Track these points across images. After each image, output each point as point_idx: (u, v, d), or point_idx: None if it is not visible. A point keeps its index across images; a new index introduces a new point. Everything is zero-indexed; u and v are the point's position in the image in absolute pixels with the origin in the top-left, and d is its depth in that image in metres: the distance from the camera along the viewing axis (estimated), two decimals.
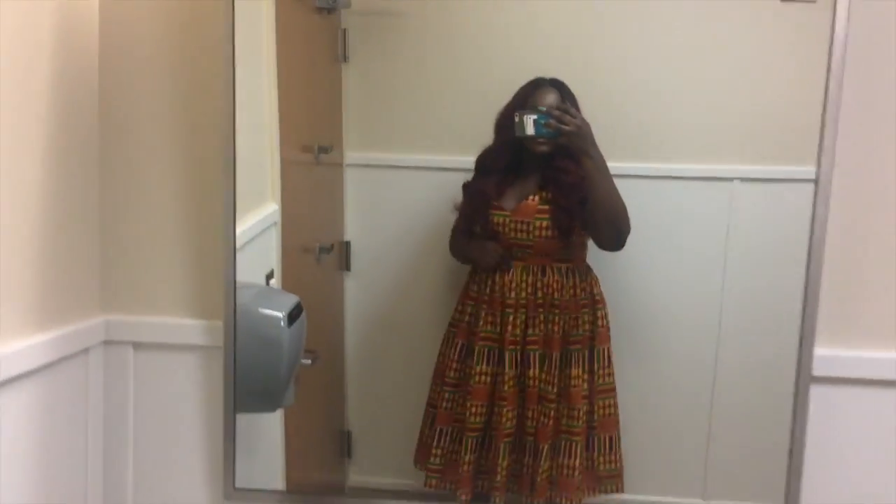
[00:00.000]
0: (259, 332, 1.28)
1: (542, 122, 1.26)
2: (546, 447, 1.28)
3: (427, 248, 1.38)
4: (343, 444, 1.45)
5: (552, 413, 1.29)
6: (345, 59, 1.37)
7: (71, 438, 1.29)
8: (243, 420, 1.33)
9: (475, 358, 1.31)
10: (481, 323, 1.30)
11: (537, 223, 1.29)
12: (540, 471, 1.28)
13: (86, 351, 1.31)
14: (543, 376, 1.29)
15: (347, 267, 1.42)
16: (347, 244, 1.41)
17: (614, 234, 1.28)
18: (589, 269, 1.31)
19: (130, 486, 1.37)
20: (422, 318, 1.42)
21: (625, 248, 1.29)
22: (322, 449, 1.49)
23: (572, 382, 1.30)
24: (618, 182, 1.28)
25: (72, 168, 1.27)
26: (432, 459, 1.34)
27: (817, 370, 1.22)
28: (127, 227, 1.33)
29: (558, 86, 1.28)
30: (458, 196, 1.35)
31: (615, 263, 1.33)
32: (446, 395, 1.33)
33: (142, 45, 1.29)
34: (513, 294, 1.29)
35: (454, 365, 1.33)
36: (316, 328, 1.40)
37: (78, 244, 1.29)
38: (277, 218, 1.37)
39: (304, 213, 1.44)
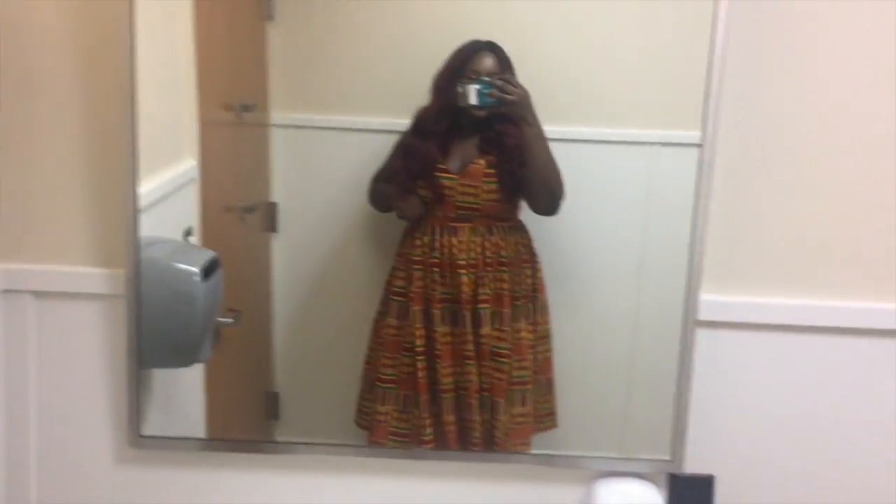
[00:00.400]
0: (173, 286, 1.24)
1: (486, 91, 1.26)
2: (502, 401, 1.30)
3: (357, 211, 1.34)
4: (270, 406, 1.40)
5: (505, 368, 1.30)
6: (270, 17, 1.31)
7: None
8: (161, 374, 1.30)
9: (437, 321, 1.29)
10: (438, 286, 1.29)
11: (485, 186, 1.28)
12: (499, 424, 1.30)
13: None
14: (496, 333, 1.29)
15: (274, 228, 1.36)
16: (274, 205, 1.35)
17: (549, 199, 1.28)
18: (524, 225, 1.31)
19: (33, 436, 1.33)
20: (351, 280, 1.38)
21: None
22: (248, 409, 1.44)
23: (521, 336, 1.31)
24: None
25: None
26: (424, 431, 1.32)
27: (703, 315, 1.24)
28: (27, 177, 1.27)
29: (495, 50, 1.26)
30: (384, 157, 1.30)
31: (543, 220, 1.32)
32: (419, 364, 1.31)
33: None
34: (463, 255, 1.28)
35: (419, 332, 1.31)
36: (239, 288, 1.36)
37: None
38: (195, 174, 1.32)
39: (226, 171, 1.39)
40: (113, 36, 1.20)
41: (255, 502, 1.35)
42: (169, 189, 1.29)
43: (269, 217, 1.36)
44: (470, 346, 1.30)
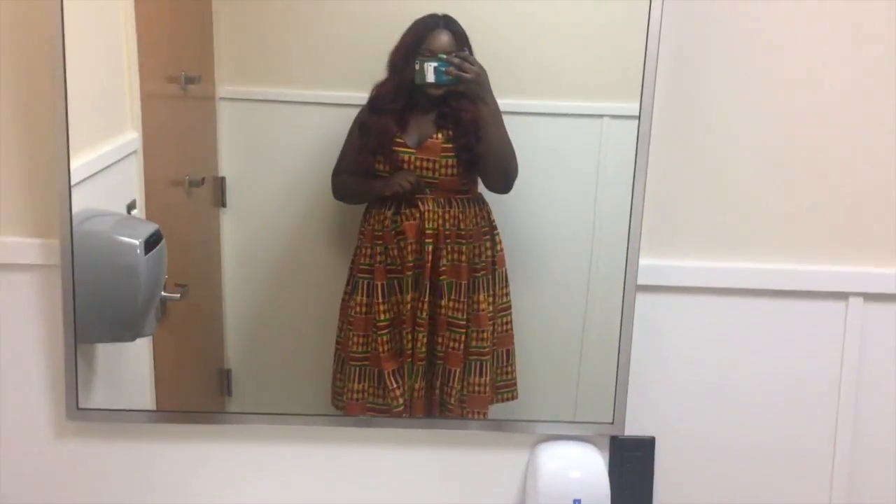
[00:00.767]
0: (114, 259, 1.20)
1: (443, 69, 1.23)
2: (457, 371, 1.29)
3: (308, 186, 1.30)
4: (222, 382, 1.36)
5: (462, 338, 1.29)
6: None
7: None
8: (106, 348, 1.27)
9: (405, 287, 1.28)
10: (402, 256, 1.27)
11: (443, 161, 1.26)
12: (453, 392, 1.29)
13: None
14: (452, 304, 1.28)
15: (223, 203, 1.32)
16: (222, 179, 1.31)
17: (503, 178, 1.27)
18: (483, 198, 1.29)
19: None
20: (303, 255, 1.34)
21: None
22: (200, 385, 1.40)
23: (480, 307, 1.29)
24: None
25: None
26: (397, 403, 1.30)
27: (642, 280, 1.25)
28: None
29: (451, 25, 1.24)
30: (342, 132, 1.27)
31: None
32: (384, 339, 1.29)
33: None
34: (429, 224, 1.27)
35: (382, 307, 1.28)
36: (187, 262, 1.33)
37: None
38: (137, 146, 1.27)
39: (170, 144, 1.34)
40: (43, 5, 1.15)
41: (205, 475, 1.32)
42: (109, 161, 1.25)
43: (217, 191, 1.32)
44: (424, 315, 1.28)
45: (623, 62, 1.20)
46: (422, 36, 1.23)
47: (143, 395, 1.32)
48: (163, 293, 1.27)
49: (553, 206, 1.30)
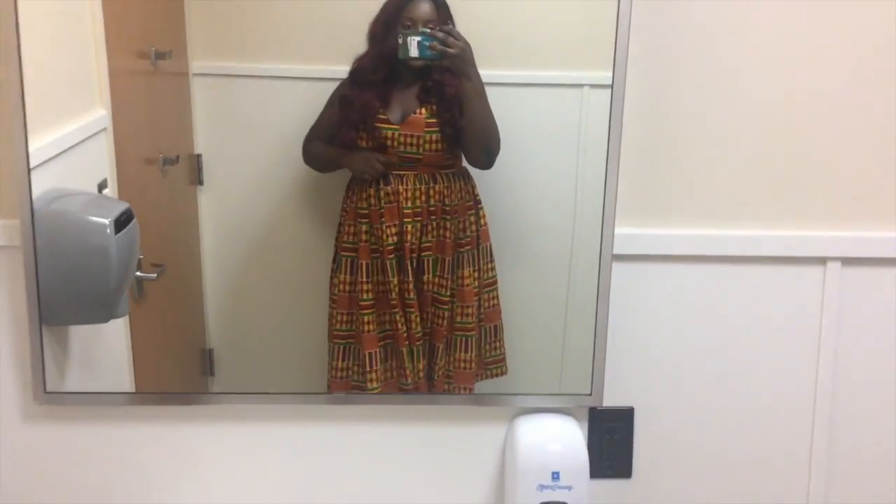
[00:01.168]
0: (84, 239, 1.15)
1: (427, 43, 1.19)
2: (441, 346, 1.27)
3: (288, 162, 1.25)
4: (205, 362, 1.32)
5: (446, 314, 1.26)
6: None
7: None
8: (81, 330, 1.23)
9: (390, 270, 1.24)
10: (385, 236, 1.24)
11: (427, 136, 1.23)
12: (437, 368, 1.27)
13: None
14: (437, 280, 1.25)
15: (199, 181, 1.27)
16: (198, 157, 1.27)
17: (485, 154, 1.24)
18: (468, 172, 1.26)
19: None
20: (284, 232, 1.30)
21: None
22: (181, 366, 1.37)
23: (465, 282, 1.26)
24: None
25: None
26: (371, 385, 1.27)
27: (619, 249, 1.22)
28: None
29: None
30: (321, 106, 1.23)
31: None
32: (366, 318, 1.25)
33: None
34: (409, 203, 1.23)
35: (365, 287, 1.25)
36: (163, 242, 1.29)
37: None
38: (106, 124, 1.23)
39: (142, 122, 1.30)
40: None
41: (188, 456, 1.28)
42: (77, 139, 1.20)
43: (193, 169, 1.27)
44: (412, 294, 1.25)
45: (603, 29, 1.16)
46: (402, 4, 1.19)
47: (121, 377, 1.28)
48: (138, 273, 1.23)
49: (535, 177, 1.27)
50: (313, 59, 1.24)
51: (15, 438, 1.25)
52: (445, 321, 1.27)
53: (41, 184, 1.15)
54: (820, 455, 1.33)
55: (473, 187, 1.26)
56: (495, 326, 1.30)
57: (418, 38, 1.18)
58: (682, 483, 1.33)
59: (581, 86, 1.23)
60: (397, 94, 1.23)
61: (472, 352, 1.28)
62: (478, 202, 1.26)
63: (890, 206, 1.26)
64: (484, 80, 1.20)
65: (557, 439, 1.21)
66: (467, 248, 1.26)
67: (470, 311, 1.27)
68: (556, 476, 1.17)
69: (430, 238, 1.25)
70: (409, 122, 1.22)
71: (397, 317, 1.26)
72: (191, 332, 1.34)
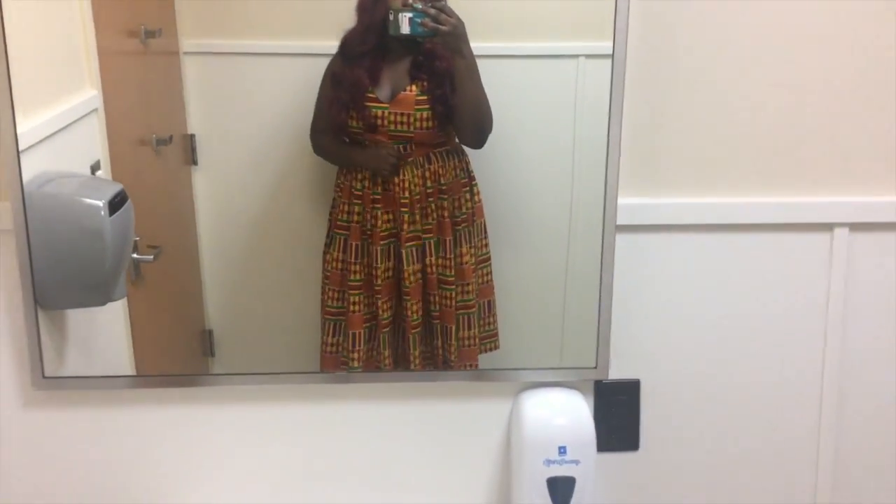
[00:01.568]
0: (79, 222, 1.14)
1: (418, 20, 1.16)
2: (453, 327, 1.26)
3: (283, 140, 1.24)
4: (205, 343, 1.31)
5: (453, 294, 1.25)
6: None
7: None
8: (78, 314, 1.21)
9: (379, 257, 1.23)
10: (378, 222, 1.23)
11: (418, 114, 1.20)
12: (452, 349, 1.26)
13: None
14: (440, 261, 1.24)
15: (194, 161, 1.26)
16: (191, 137, 1.25)
17: (477, 133, 1.22)
18: (461, 148, 1.24)
19: None
20: (280, 211, 1.28)
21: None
22: (181, 347, 1.36)
23: (463, 260, 1.25)
24: None
25: None
26: (353, 365, 1.27)
27: (622, 219, 1.20)
28: None
29: None
30: (314, 83, 1.21)
31: None
32: (353, 299, 1.24)
33: None
34: (406, 193, 1.22)
35: (354, 267, 1.24)
36: (159, 223, 1.28)
37: None
38: (98, 104, 1.21)
39: (133, 102, 1.28)
40: None
41: (190, 438, 1.27)
42: (68, 120, 1.18)
43: (187, 149, 1.26)
44: (410, 282, 1.24)
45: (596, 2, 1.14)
46: None
47: (121, 360, 1.27)
48: (134, 255, 1.22)
49: (530, 150, 1.25)
50: (305, 34, 1.22)
51: (14, 424, 1.24)
52: (453, 301, 1.26)
53: (33, 166, 1.13)
54: (829, 425, 1.32)
55: (467, 163, 1.24)
56: (489, 302, 1.29)
57: (410, 15, 1.15)
58: (690, 454, 1.32)
59: (577, 56, 1.21)
60: (387, 69, 1.21)
61: (474, 328, 1.28)
62: (472, 178, 1.25)
63: None
64: (475, 52, 1.18)
65: (563, 413, 1.20)
66: (463, 225, 1.25)
67: (470, 287, 1.26)
68: (562, 450, 1.16)
69: (429, 221, 1.23)
70: (398, 100, 1.20)
71: (380, 302, 1.25)
72: (190, 314, 1.33)
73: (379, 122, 1.20)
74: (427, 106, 1.20)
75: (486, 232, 1.27)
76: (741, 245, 1.26)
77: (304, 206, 1.28)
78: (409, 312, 1.25)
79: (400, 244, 1.23)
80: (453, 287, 1.26)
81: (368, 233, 1.24)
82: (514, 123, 1.22)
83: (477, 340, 1.28)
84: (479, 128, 1.21)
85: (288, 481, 1.28)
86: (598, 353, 1.24)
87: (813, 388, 1.31)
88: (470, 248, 1.26)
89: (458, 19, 1.16)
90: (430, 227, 1.24)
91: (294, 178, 1.27)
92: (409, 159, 1.22)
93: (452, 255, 1.25)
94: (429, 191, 1.23)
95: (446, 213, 1.24)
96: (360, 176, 1.23)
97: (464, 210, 1.25)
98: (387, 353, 1.26)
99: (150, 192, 1.26)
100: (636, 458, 1.31)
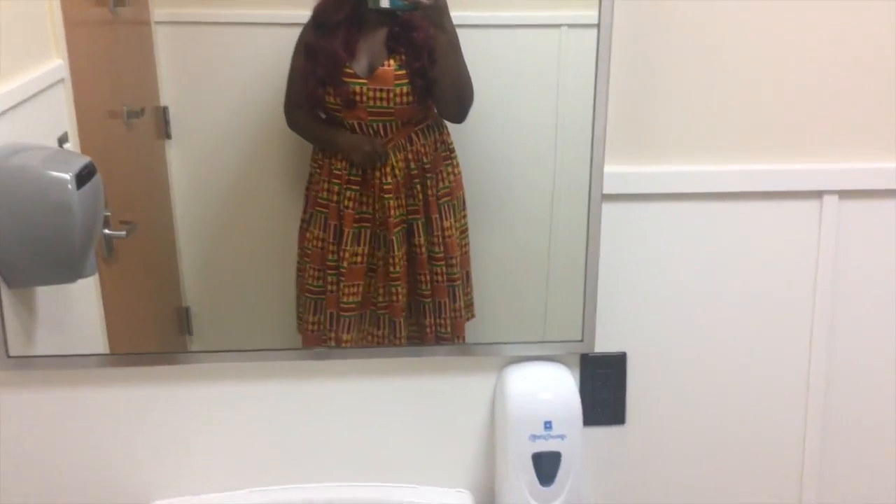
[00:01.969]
0: (45, 196, 1.10)
1: None
2: (446, 301, 1.25)
3: (259, 111, 1.21)
4: (182, 321, 1.29)
5: (443, 270, 1.24)
6: None
7: None
8: (47, 292, 1.18)
9: (349, 240, 1.21)
10: (357, 205, 1.21)
11: (397, 90, 1.17)
12: (447, 322, 1.25)
13: None
14: (428, 239, 1.23)
15: (167, 134, 1.23)
16: (164, 109, 1.22)
17: (459, 108, 1.19)
18: (441, 121, 1.22)
19: None
20: (257, 184, 1.26)
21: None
22: (157, 325, 1.33)
23: (447, 234, 1.24)
24: None
25: None
26: (332, 344, 1.26)
27: (609, 188, 1.18)
28: None
29: None
30: (290, 52, 1.17)
31: None
32: (330, 279, 1.23)
33: None
34: (389, 178, 1.19)
35: (332, 248, 1.22)
36: (132, 198, 1.25)
37: None
38: (64, 74, 1.17)
39: (102, 72, 1.24)
40: None
41: (167, 417, 1.25)
42: (32, 91, 1.14)
43: (160, 122, 1.22)
44: (398, 269, 1.22)
45: None
46: None
47: (94, 339, 1.24)
48: (106, 231, 1.19)
49: (511, 122, 1.23)
50: (279, 3, 1.20)
51: None
52: (444, 276, 1.25)
53: None
54: (817, 392, 1.31)
55: (447, 136, 1.22)
56: (467, 273, 1.27)
57: None
58: (677, 428, 1.31)
59: (559, 26, 1.19)
60: (363, 41, 1.18)
61: (460, 300, 1.26)
62: (451, 151, 1.23)
63: (887, 137, 1.23)
64: (455, 22, 1.14)
65: (549, 388, 1.19)
66: (446, 199, 1.23)
67: (455, 261, 1.25)
68: (548, 425, 1.15)
69: (416, 202, 1.22)
70: (377, 75, 1.17)
71: (343, 286, 1.23)
72: (166, 291, 1.30)
73: (357, 98, 1.17)
74: (406, 80, 1.17)
75: (464, 203, 1.25)
76: (730, 214, 1.24)
77: (282, 179, 1.25)
78: (398, 298, 1.23)
79: (388, 231, 1.21)
80: (443, 263, 1.24)
81: (342, 214, 1.22)
82: (495, 94, 1.20)
83: (463, 312, 1.27)
84: (460, 102, 1.18)
85: (269, 460, 1.26)
86: (584, 326, 1.22)
87: (801, 358, 1.30)
88: (454, 221, 1.24)
89: None
90: (416, 207, 1.21)
91: (271, 151, 1.24)
92: (391, 144, 1.19)
93: (440, 232, 1.23)
94: (413, 173, 1.20)
95: (431, 192, 1.22)
96: (340, 155, 1.20)
97: (446, 184, 1.23)
98: (349, 337, 1.24)
99: (122, 165, 1.23)
100: (623, 431, 1.30)
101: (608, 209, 1.20)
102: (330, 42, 1.17)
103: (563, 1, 1.19)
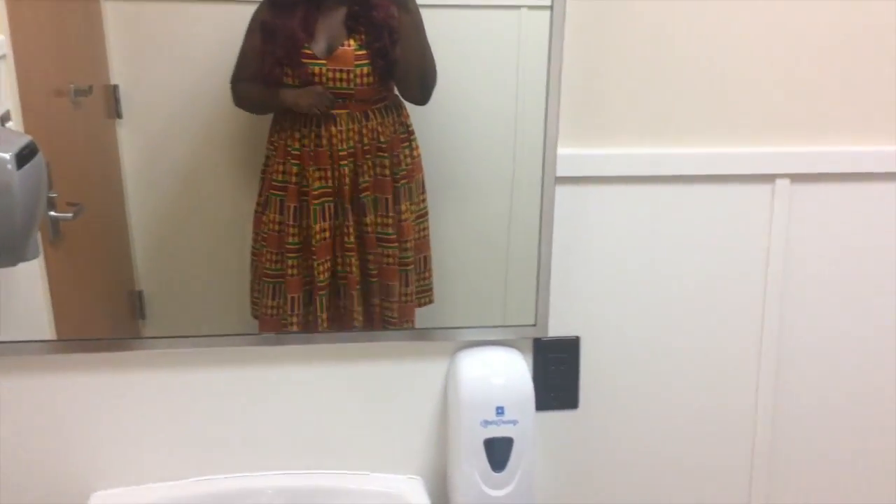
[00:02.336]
0: None
1: None
2: (396, 284, 1.23)
3: (212, 90, 1.18)
4: (135, 305, 1.26)
5: (395, 252, 1.22)
6: None
7: None
8: None
9: (313, 217, 1.19)
10: (314, 181, 1.18)
11: (357, 70, 1.15)
12: (395, 307, 1.24)
13: None
14: (380, 220, 1.21)
15: (118, 114, 1.20)
16: (115, 88, 1.19)
17: (423, 90, 1.17)
18: (400, 101, 1.20)
19: None
20: (211, 165, 1.23)
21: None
22: (109, 309, 1.30)
23: (402, 217, 1.22)
24: None
25: None
26: (292, 329, 1.24)
27: (562, 171, 1.18)
28: None
29: None
30: (242, 31, 1.14)
31: None
32: (290, 262, 1.21)
33: None
34: (343, 145, 1.17)
35: (291, 230, 1.20)
36: (80, 179, 1.22)
37: None
38: (5, 50, 1.13)
39: (47, 48, 1.20)
40: None
41: (118, 405, 1.23)
42: None
43: (109, 101, 1.19)
44: (352, 238, 1.21)
45: None
46: None
47: (39, 324, 1.21)
48: (51, 213, 1.16)
49: (471, 104, 1.22)
50: None
51: None
52: (395, 259, 1.23)
53: None
54: (768, 377, 1.32)
55: (406, 118, 1.20)
56: (425, 257, 1.26)
57: None
58: (629, 412, 1.32)
59: (518, 7, 1.18)
60: (322, 21, 1.15)
61: (412, 285, 1.25)
62: (410, 133, 1.21)
63: (839, 121, 1.23)
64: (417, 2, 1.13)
65: (501, 373, 1.18)
66: (404, 181, 1.22)
67: (409, 245, 1.24)
68: (500, 411, 1.15)
69: (367, 178, 1.20)
70: (336, 55, 1.15)
71: (316, 264, 1.22)
72: (117, 274, 1.27)
73: (317, 79, 1.15)
74: (367, 61, 1.15)
75: (423, 187, 1.23)
76: (682, 197, 1.24)
77: (236, 160, 1.23)
78: (351, 269, 1.22)
79: (344, 200, 1.19)
80: (395, 245, 1.23)
81: (305, 192, 1.20)
82: (455, 75, 1.18)
83: (414, 297, 1.26)
84: (424, 84, 1.17)
85: (223, 447, 1.25)
86: (537, 310, 1.22)
87: (753, 341, 1.31)
88: (410, 204, 1.23)
89: None
90: (366, 184, 1.20)
91: (226, 131, 1.21)
92: (345, 111, 1.17)
93: (393, 213, 1.22)
94: (365, 147, 1.19)
95: (387, 172, 1.20)
96: (297, 134, 1.18)
97: (403, 167, 1.21)
98: (324, 315, 1.23)
99: (69, 145, 1.20)
100: (575, 416, 1.30)
101: (562, 192, 1.19)
102: (287, 22, 1.14)
103: None
